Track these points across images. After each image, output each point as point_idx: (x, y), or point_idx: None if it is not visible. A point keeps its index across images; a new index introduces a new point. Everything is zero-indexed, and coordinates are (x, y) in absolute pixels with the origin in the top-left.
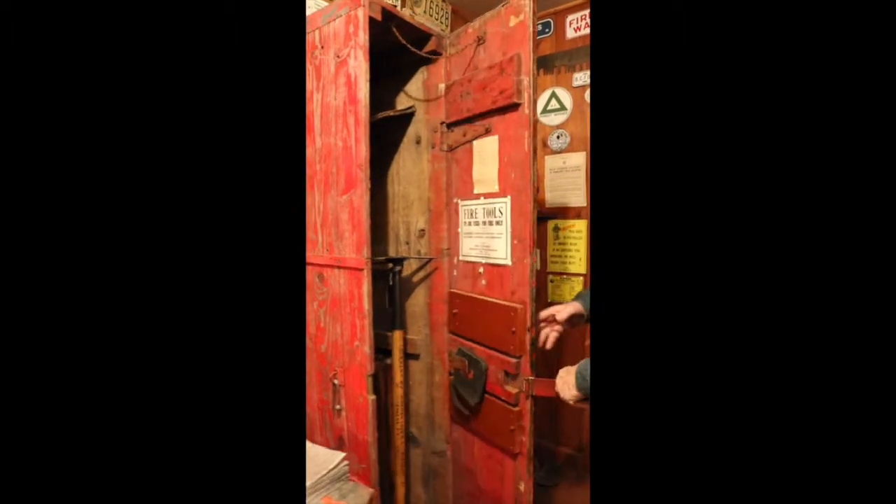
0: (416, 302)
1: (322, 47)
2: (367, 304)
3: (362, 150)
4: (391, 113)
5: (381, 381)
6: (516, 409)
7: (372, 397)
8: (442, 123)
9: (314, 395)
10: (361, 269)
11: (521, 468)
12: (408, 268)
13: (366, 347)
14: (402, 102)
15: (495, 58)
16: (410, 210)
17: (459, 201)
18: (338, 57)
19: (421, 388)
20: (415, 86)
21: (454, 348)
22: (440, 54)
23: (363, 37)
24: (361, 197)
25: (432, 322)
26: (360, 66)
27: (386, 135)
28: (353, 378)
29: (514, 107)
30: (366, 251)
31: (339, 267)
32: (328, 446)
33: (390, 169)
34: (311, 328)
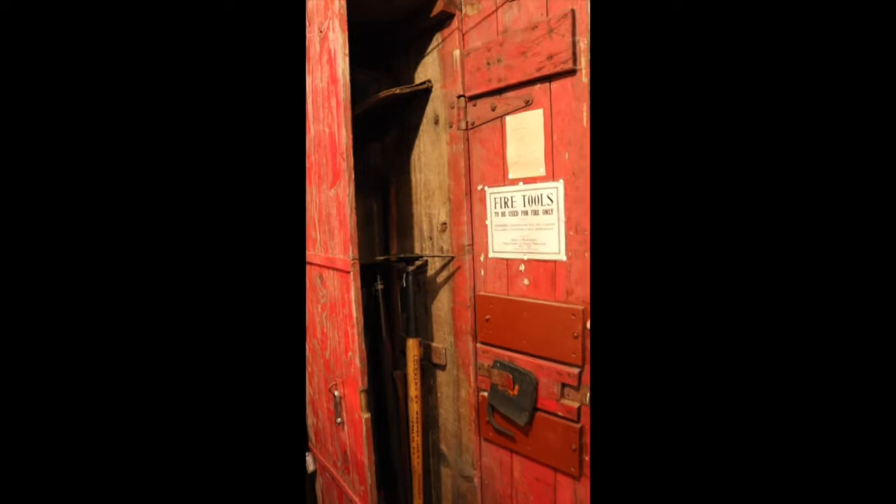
0: (441, 306)
1: (309, 24)
2: (355, 312)
3: (343, 137)
4: (397, 91)
5: (399, 392)
6: (578, 425)
7: (366, 415)
8: (460, 97)
9: (324, 403)
10: (348, 272)
11: (585, 491)
12: (432, 267)
13: (357, 360)
14: (420, 77)
15: (535, 17)
16: (432, 200)
17: (487, 188)
18: (320, 32)
19: (448, 403)
20: (431, 57)
21: (488, 361)
22: (453, 15)
23: (338, 4)
24: (345, 189)
25: (456, 329)
26: (337, 39)
27: (406, 116)
28: (351, 391)
29: (568, 73)
30: (352, 251)
31: (331, 268)
32: (336, 459)
33: (412, 154)
34: (317, 332)
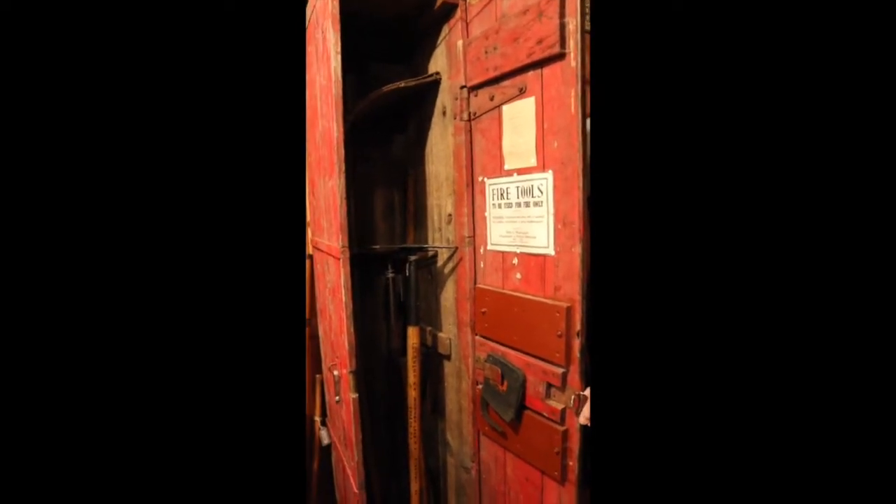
0: (447, 297)
1: (317, 24)
2: (344, 296)
3: (334, 131)
4: (401, 84)
5: (403, 378)
6: (562, 427)
7: (354, 395)
8: (462, 87)
9: (332, 380)
10: (338, 259)
11: (569, 498)
12: (441, 258)
13: (345, 343)
14: (432, 69)
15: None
16: (441, 192)
17: (486, 179)
18: (323, 33)
19: (452, 393)
20: (440, 49)
21: (483, 354)
22: (456, 5)
23: (331, 4)
24: (335, 180)
25: (458, 321)
26: (329, 39)
27: (422, 109)
28: (345, 372)
29: (556, 58)
30: (341, 240)
31: (330, 255)
32: (340, 434)
33: (426, 146)
34: (326, 315)
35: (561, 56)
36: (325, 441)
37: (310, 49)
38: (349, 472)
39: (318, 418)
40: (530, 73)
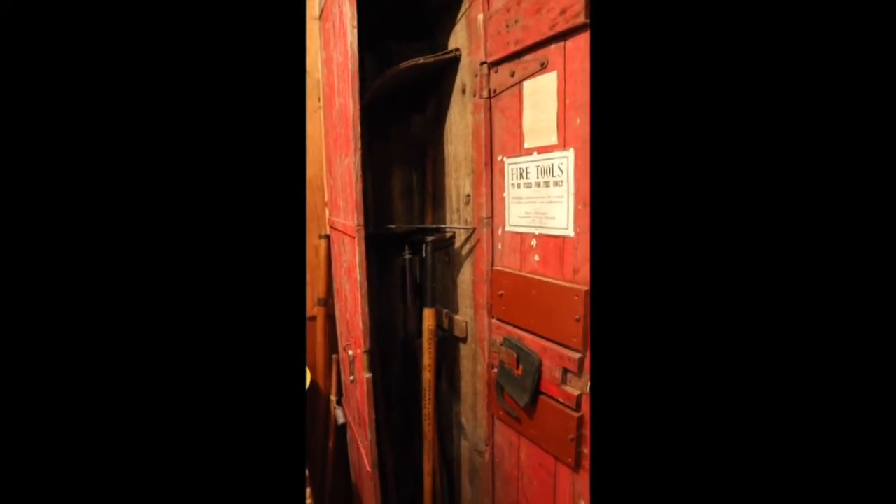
0: (464, 279)
1: (335, 1)
2: (359, 275)
3: (350, 108)
4: (420, 61)
5: (419, 360)
6: (578, 414)
7: (368, 375)
8: (482, 64)
9: (346, 360)
10: (353, 237)
11: (583, 484)
12: (458, 239)
13: (360, 322)
14: (452, 46)
15: None
16: (459, 172)
17: (505, 159)
18: (339, 7)
19: (468, 376)
20: (460, 24)
21: (499, 337)
22: None
23: None
24: (351, 158)
25: (475, 303)
26: (346, 13)
27: (441, 87)
28: (359, 351)
29: (581, 29)
30: (357, 217)
31: (346, 234)
32: (354, 413)
33: (445, 126)
34: (342, 295)
35: (585, 27)
36: (341, 420)
37: (326, 26)
38: (363, 450)
39: (333, 398)
40: (552, 47)
